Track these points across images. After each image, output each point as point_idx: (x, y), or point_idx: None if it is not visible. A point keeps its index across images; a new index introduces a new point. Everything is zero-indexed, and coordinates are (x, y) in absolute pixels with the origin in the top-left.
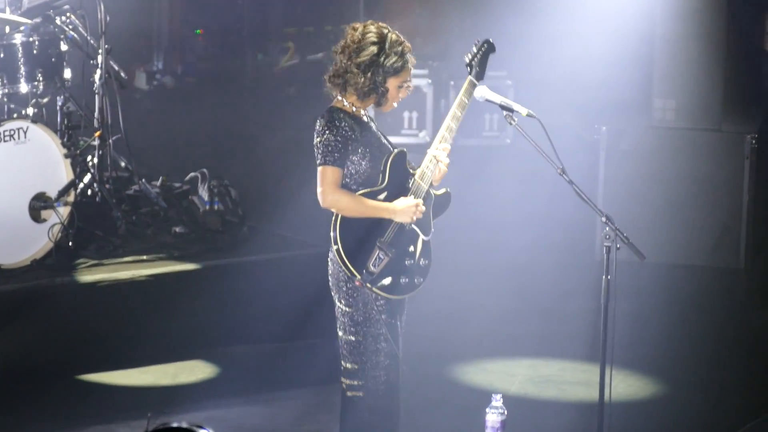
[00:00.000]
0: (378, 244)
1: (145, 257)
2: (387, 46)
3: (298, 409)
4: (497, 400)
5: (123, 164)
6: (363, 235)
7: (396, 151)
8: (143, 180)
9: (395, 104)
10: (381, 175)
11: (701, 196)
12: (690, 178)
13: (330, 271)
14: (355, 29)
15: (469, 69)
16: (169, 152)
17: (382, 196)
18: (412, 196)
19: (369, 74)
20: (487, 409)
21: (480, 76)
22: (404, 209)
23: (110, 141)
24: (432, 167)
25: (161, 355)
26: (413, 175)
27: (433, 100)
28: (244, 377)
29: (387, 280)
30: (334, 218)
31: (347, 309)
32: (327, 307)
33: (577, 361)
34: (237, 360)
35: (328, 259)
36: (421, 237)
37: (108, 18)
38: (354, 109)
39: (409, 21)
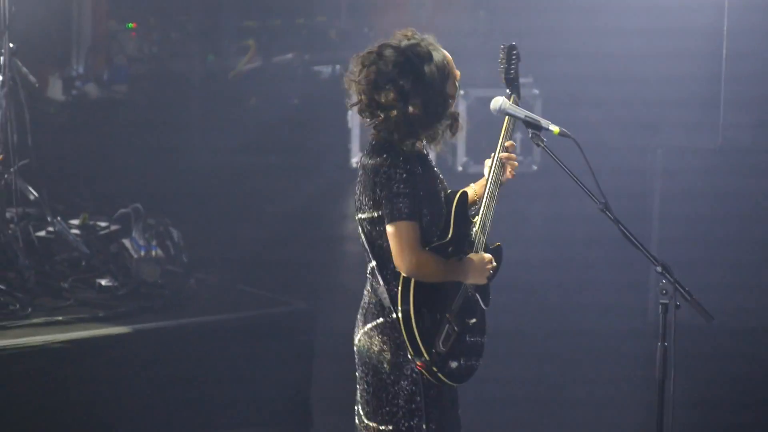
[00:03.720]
0: (447, 317)
1: (60, 318)
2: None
3: None
4: None
5: (32, 197)
6: (433, 306)
7: (459, 192)
8: (59, 218)
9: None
10: (445, 225)
11: None
12: None
13: (371, 362)
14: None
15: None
16: (93, 182)
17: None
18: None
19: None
20: None
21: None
22: (480, 268)
23: (15, 167)
24: (491, 197)
25: None
26: (473, 223)
27: None
28: None
29: (454, 364)
30: (402, 286)
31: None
32: (280, 380)
33: None
34: None
35: (364, 346)
36: (481, 306)
37: (13, 9)
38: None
39: (407, 14)
